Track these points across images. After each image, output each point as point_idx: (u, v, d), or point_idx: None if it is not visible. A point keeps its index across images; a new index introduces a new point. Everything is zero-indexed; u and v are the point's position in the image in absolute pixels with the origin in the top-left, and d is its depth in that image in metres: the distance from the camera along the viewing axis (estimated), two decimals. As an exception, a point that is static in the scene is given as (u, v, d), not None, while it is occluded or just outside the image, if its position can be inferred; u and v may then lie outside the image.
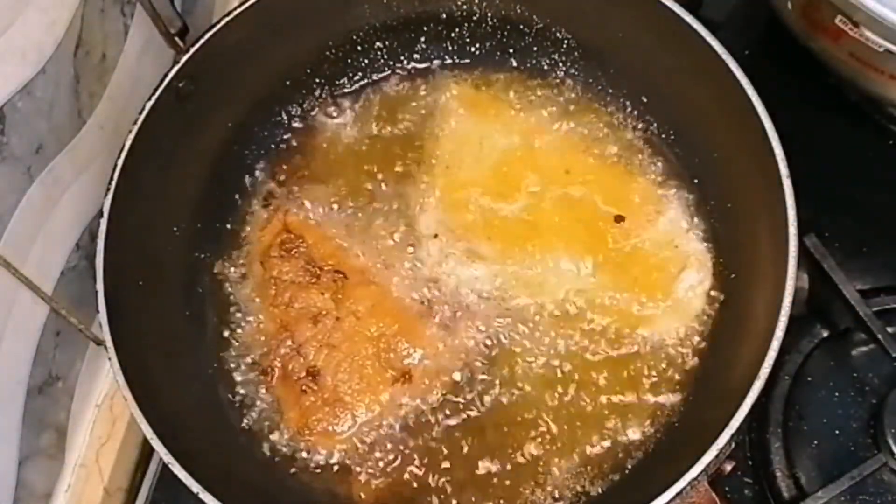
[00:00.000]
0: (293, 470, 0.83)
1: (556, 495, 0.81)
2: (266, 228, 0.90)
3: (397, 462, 0.82)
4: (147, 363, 0.79)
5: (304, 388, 0.83)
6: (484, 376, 0.84)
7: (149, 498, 0.90)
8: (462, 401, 0.84)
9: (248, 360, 0.86)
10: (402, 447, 0.82)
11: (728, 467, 0.78)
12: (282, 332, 0.86)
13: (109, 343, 0.75)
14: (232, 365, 0.86)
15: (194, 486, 0.72)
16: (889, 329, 0.84)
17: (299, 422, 0.83)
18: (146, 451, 0.93)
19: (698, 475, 0.70)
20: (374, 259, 0.88)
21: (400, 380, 0.84)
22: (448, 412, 0.83)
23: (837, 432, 0.85)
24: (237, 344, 0.87)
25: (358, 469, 0.82)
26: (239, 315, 0.88)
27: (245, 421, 0.85)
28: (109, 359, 0.75)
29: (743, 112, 0.80)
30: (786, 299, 0.74)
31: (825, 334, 0.88)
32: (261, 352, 0.86)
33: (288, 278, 0.87)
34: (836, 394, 0.86)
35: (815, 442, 0.84)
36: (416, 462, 0.82)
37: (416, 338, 0.85)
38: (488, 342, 0.85)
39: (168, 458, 0.72)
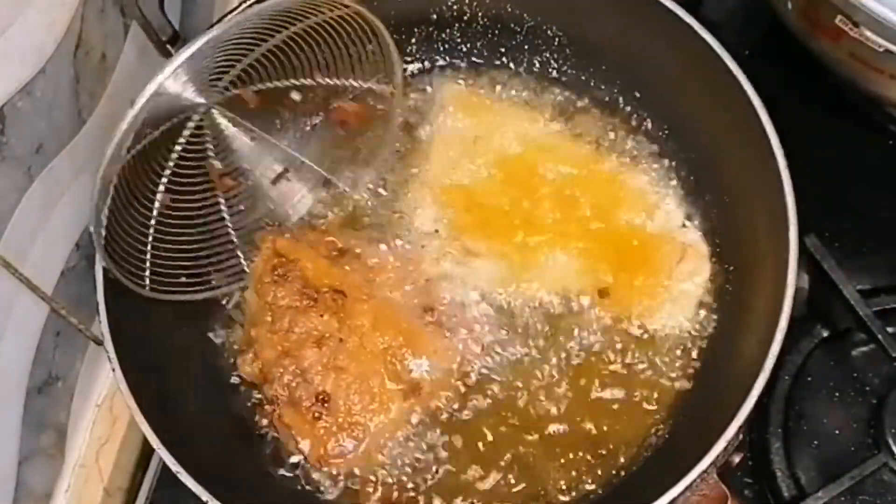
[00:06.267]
0: (299, 478, 0.83)
1: (567, 493, 0.81)
2: (257, 257, 0.88)
3: (410, 473, 0.82)
4: (148, 366, 0.79)
5: (315, 414, 0.82)
6: (489, 380, 0.84)
7: (149, 498, 0.90)
8: (470, 408, 0.84)
9: (249, 381, 0.86)
10: (414, 458, 0.82)
11: (736, 459, 0.78)
12: (283, 358, 0.83)
13: (110, 347, 0.76)
14: (234, 379, 0.86)
15: (196, 487, 0.72)
16: (889, 329, 0.84)
17: (317, 451, 0.82)
18: (146, 451, 0.93)
19: (708, 467, 0.71)
20: (370, 269, 0.87)
21: (409, 393, 0.83)
22: (457, 421, 0.83)
23: (837, 432, 0.85)
24: (236, 362, 0.87)
25: (370, 481, 0.82)
26: (238, 337, 0.88)
27: (248, 428, 0.85)
28: (113, 370, 0.75)
29: (742, 111, 0.81)
30: (787, 296, 0.75)
31: (825, 334, 0.88)
32: (262, 381, 0.84)
33: (284, 303, 0.85)
34: (836, 394, 0.86)
35: (815, 442, 0.85)
36: (430, 472, 0.82)
37: (422, 348, 0.84)
38: (492, 346, 0.85)
39: (172, 462, 0.72)
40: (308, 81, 0.88)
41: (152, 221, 0.83)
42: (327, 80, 0.89)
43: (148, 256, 0.82)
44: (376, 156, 0.92)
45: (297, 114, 0.90)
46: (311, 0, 0.81)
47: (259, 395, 0.85)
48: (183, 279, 0.84)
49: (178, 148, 0.85)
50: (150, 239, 0.82)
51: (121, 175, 0.78)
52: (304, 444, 0.82)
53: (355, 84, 0.89)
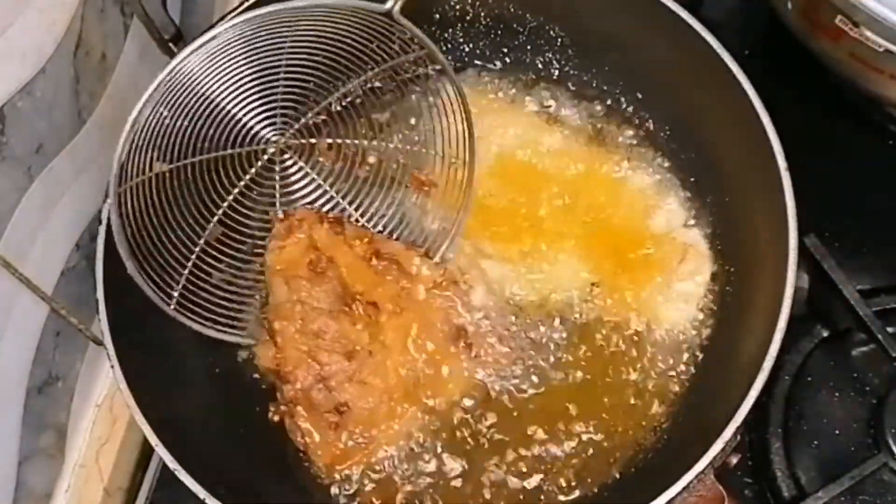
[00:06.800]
0: (299, 478, 0.83)
1: (565, 493, 0.81)
2: (287, 239, 0.84)
3: (415, 481, 0.82)
4: (148, 366, 0.79)
5: (332, 424, 0.80)
6: (496, 386, 0.84)
7: (149, 498, 0.90)
8: (479, 417, 0.84)
9: (263, 382, 0.85)
10: (421, 466, 0.82)
11: (734, 460, 0.78)
12: (308, 361, 0.81)
13: (110, 347, 0.76)
14: (241, 382, 0.86)
15: (194, 486, 0.72)
16: (889, 329, 0.84)
17: (327, 458, 0.81)
18: (146, 451, 0.92)
19: (705, 468, 0.71)
20: (406, 276, 0.84)
21: (429, 413, 0.82)
22: (470, 435, 0.83)
23: (837, 432, 0.85)
24: (249, 363, 0.86)
25: (373, 485, 0.82)
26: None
27: (248, 427, 0.84)
28: (112, 367, 0.75)
29: (742, 111, 0.81)
30: (787, 295, 0.75)
31: (825, 334, 0.88)
32: (280, 378, 0.83)
33: (319, 305, 0.82)
34: (836, 394, 0.86)
35: (815, 442, 0.84)
36: (435, 477, 0.82)
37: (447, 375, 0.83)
38: (503, 357, 0.85)
39: (171, 461, 0.72)
40: (384, 144, 0.87)
41: (197, 248, 0.82)
42: (404, 145, 0.88)
43: (183, 278, 0.81)
44: (453, 225, 0.87)
45: (371, 177, 0.87)
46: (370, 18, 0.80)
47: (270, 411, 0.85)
48: (211, 313, 0.82)
49: (240, 183, 0.83)
50: (191, 263, 0.81)
51: (168, 184, 0.78)
52: (316, 449, 0.81)
53: (431, 152, 0.87)
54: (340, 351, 0.82)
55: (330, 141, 0.86)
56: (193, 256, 0.81)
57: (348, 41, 0.82)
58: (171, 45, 0.93)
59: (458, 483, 0.82)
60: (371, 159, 0.89)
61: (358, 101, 0.87)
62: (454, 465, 0.82)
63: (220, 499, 0.72)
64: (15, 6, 0.72)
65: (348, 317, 0.82)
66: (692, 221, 0.89)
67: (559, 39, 0.95)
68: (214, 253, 0.83)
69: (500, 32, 0.96)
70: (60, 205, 0.81)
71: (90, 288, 0.78)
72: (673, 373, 0.84)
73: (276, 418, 0.83)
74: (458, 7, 0.94)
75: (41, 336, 0.80)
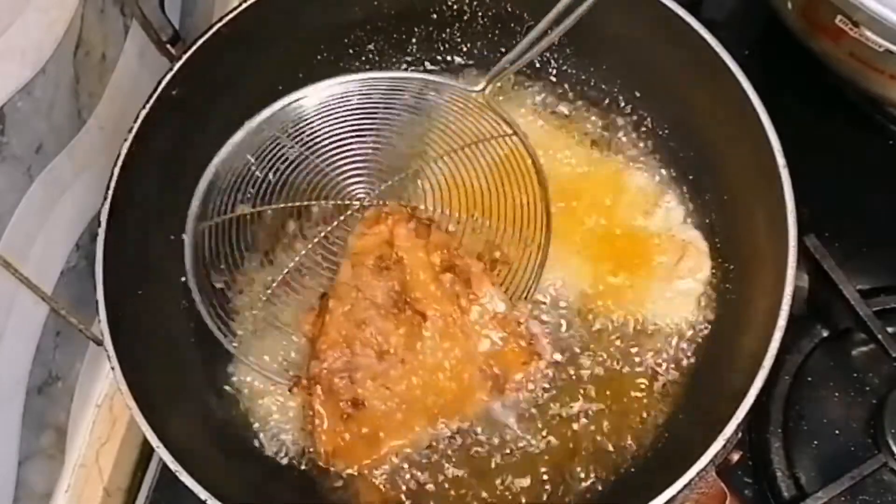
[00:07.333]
0: (299, 477, 0.83)
1: (567, 493, 0.81)
2: (372, 228, 0.85)
3: (412, 485, 0.82)
4: (148, 366, 0.79)
5: (344, 414, 0.80)
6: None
7: (149, 498, 0.90)
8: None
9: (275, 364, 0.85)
10: (420, 472, 0.82)
11: (735, 457, 0.78)
12: (343, 346, 0.82)
13: (110, 347, 0.76)
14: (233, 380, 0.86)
15: (195, 487, 0.72)
16: (889, 329, 0.84)
17: (329, 446, 0.81)
18: (146, 451, 0.93)
19: (706, 465, 0.71)
20: (469, 298, 0.83)
21: (441, 431, 0.82)
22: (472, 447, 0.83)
23: (837, 432, 0.85)
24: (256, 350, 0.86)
25: (371, 484, 0.82)
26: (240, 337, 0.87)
27: (248, 427, 0.85)
28: (112, 368, 0.75)
29: (741, 111, 0.81)
30: (786, 294, 0.75)
31: (825, 334, 0.88)
32: (313, 351, 0.83)
33: (371, 297, 0.82)
34: (836, 394, 0.86)
35: (815, 442, 0.85)
36: (432, 482, 0.82)
37: (467, 412, 0.82)
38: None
39: (171, 461, 0.72)
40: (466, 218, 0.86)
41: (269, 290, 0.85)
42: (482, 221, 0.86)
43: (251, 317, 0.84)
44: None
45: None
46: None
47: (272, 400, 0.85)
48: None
49: (320, 232, 0.86)
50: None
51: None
52: (321, 434, 0.81)
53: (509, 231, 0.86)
54: (375, 347, 0.82)
55: (412, 210, 0.87)
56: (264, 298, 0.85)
57: (441, 113, 0.87)
58: (168, 46, 0.93)
59: (454, 487, 0.82)
60: (451, 227, 0.87)
61: (442, 172, 0.88)
62: (457, 472, 0.82)
63: (221, 499, 0.72)
64: (15, 6, 0.72)
65: (394, 318, 0.82)
66: (691, 219, 0.89)
67: (557, 39, 0.95)
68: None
69: (497, 32, 0.96)
70: (60, 205, 0.81)
71: (90, 288, 0.78)
72: (673, 370, 0.84)
73: (296, 390, 0.83)
74: (455, 6, 0.94)
75: (41, 336, 0.80)
